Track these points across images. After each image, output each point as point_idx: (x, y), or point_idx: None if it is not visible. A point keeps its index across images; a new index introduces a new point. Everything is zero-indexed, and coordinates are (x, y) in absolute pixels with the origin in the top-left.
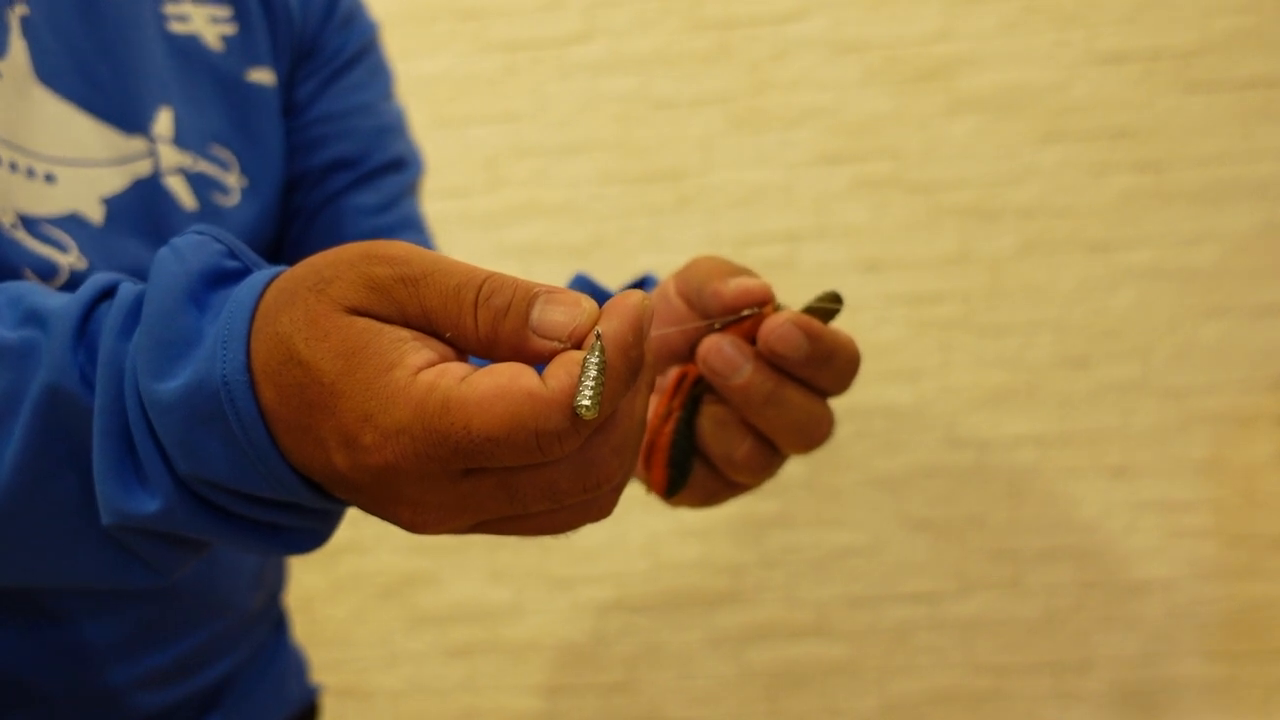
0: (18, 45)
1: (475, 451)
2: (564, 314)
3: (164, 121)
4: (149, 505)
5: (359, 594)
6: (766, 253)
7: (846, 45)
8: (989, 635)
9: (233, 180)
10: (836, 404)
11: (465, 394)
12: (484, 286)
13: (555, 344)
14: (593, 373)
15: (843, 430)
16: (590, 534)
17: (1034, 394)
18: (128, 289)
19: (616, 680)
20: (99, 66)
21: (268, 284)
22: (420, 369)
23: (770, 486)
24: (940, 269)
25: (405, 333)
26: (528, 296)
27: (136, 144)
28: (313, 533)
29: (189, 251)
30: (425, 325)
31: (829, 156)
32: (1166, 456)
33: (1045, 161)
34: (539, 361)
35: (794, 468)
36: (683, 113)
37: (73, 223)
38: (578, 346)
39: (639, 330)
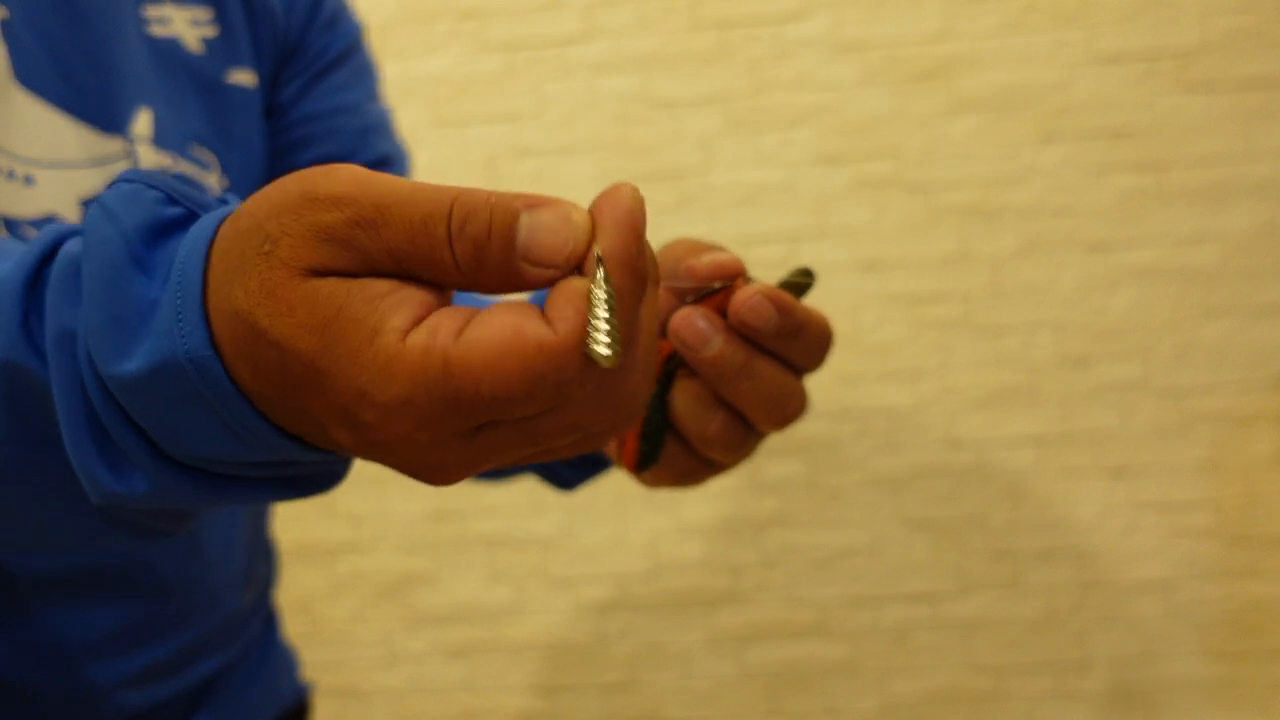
0: None
1: (489, 410)
2: (555, 234)
3: (143, 122)
4: (138, 486)
5: (358, 594)
6: (766, 253)
7: (846, 45)
8: (989, 635)
9: (213, 181)
10: (836, 403)
11: (467, 355)
12: (454, 213)
13: (551, 271)
14: (603, 311)
15: (843, 430)
16: (590, 534)
17: (1034, 394)
18: (66, 252)
19: (616, 680)
20: (79, 68)
21: (211, 241)
22: (406, 330)
23: (770, 486)
24: (940, 269)
25: (377, 286)
26: (508, 217)
27: (114, 144)
28: (328, 472)
29: (121, 208)
30: (395, 269)
31: (829, 156)
32: (1166, 456)
33: (1045, 161)
34: (533, 290)
35: (794, 467)
36: (683, 113)
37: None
38: (577, 269)
39: (640, 235)
